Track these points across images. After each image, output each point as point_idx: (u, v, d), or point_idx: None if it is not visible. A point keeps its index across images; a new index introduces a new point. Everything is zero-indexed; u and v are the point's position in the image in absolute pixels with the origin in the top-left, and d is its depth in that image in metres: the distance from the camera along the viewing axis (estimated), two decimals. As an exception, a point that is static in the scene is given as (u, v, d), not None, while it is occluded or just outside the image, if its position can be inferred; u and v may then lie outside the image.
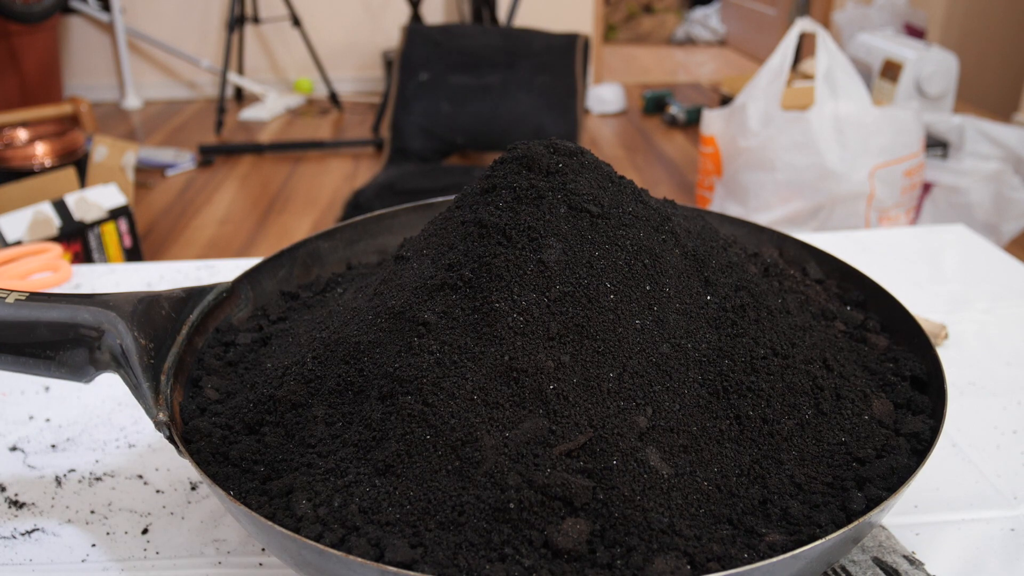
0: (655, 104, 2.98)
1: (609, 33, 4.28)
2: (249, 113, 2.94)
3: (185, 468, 0.48)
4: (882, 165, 1.56)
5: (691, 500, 0.32)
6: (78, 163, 1.80)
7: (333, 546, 0.29)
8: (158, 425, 0.35)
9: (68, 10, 2.94)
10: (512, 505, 0.30)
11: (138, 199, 2.18)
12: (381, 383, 0.34)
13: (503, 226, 0.37)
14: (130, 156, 1.87)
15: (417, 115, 2.22)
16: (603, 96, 3.01)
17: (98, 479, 0.47)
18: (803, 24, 1.61)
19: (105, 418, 0.53)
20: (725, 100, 2.67)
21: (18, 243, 1.33)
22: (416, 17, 2.68)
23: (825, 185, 1.56)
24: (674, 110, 2.85)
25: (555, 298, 0.35)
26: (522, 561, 0.29)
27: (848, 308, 0.47)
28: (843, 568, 0.38)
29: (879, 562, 0.39)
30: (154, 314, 0.39)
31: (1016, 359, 0.58)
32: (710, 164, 1.76)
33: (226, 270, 0.73)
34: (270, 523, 0.30)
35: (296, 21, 2.83)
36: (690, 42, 4.33)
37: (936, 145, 1.81)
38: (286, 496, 0.32)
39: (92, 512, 0.45)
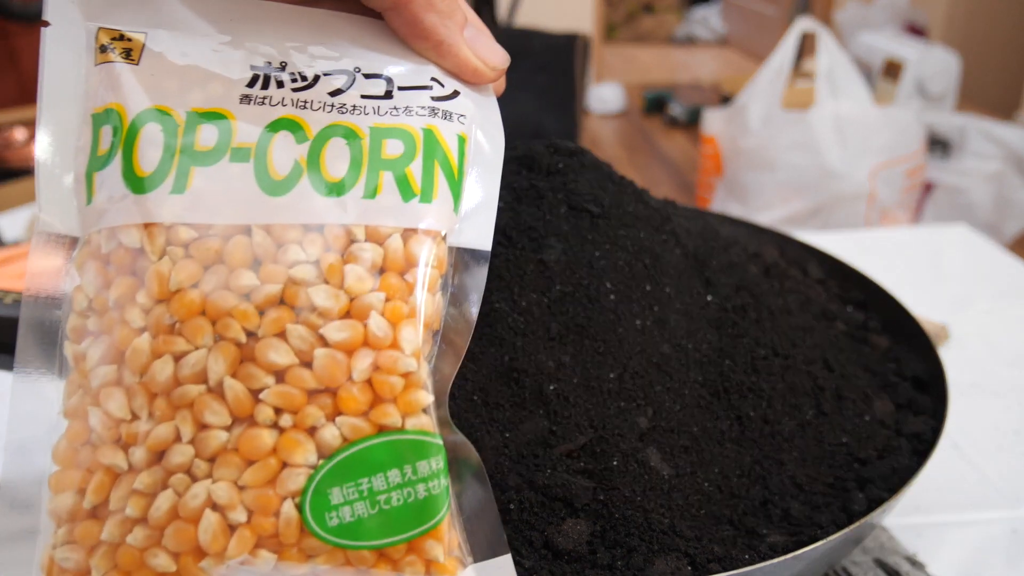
0: (655, 104, 2.98)
1: (609, 33, 4.28)
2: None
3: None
4: (883, 165, 1.56)
5: (692, 501, 0.32)
6: (78, 163, 1.80)
7: (332, 547, 0.29)
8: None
9: (69, 10, 2.94)
10: (512, 506, 0.30)
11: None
12: (381, 383, 0.34)
13: (503, 226, 0.37)
14: (130, 156, 1.87)
15: (417, 115, 2.22)
16: (603, 96, 3.01)
17: (97, 479, 0.47)
18: (804, 23, 1.61)
19: (105, 418, 0.52)
20: (725, 100, 2.67)
21: (17, 243, 1.33)
22: (416, 17, 2.67)
23: (826, 185, 1.56)
24: (674, 110, 2.85)
25: (555, 298, 0.35)
26: (522, 562, 0.29)
27: (849, 308, 0.47)
28: (844, 569, 0.38)
29: (881, 563, 0.39)
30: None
31: (1018, 359, 0.58)
32: (710, 164, 1.76)
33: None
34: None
35: (296, 21, 2.83)
36: (691, 42, 4.33)
37: (937, 145, 1.81)
38: (285, 497, 0.32)
39: (91, 513, 0.44)
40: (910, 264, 0.73)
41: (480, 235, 0.25)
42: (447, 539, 0.23)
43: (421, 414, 0.22)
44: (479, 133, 0.26)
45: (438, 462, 0.22)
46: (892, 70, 2.04)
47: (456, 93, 0.26)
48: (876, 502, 0.32)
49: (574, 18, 3.09)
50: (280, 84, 0.24)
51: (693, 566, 0.29)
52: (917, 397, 0.39)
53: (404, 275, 0.23)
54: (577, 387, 0.33)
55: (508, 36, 2.33)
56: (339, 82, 0.25)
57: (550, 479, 0.30)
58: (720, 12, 4.31)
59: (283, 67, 0.25)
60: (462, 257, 0.25)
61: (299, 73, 0.25)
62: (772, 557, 0.29)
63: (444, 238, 0.24)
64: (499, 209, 0.38)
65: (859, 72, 1.59)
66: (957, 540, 0.42)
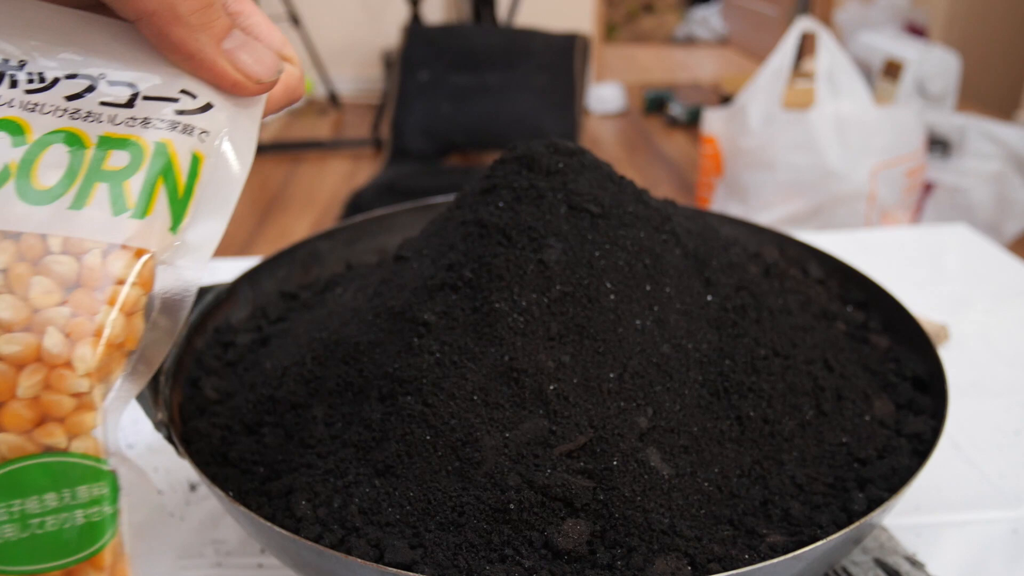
0: (655, 104, 2.98)
1: (609, 32, 4.28)
2: (249, 113, 2.94)
3: (184, 469, 0.48)
4: (883, 165, 1.56)
5: (692, 501, 0.32)
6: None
7: (332, 547, 0.29)
8: (157, 425, 0.35)
9: (68, 10, 2.93)
10: (512, 506, 0.30)
11: (138, 199, 2.18)
12: (381, 383, 0.34)
13: (503, 226, 0.37)
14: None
15: (417, 115, 2.22)
16: (603, 96, 3.01)
17: (97, 479, 0.47)
18: (804, 23, 1.61)
19: (105, 418, 0.53)
20: (726, 100, 2.67)
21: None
22: (416, 17, 2.68)
23: (826, 185, 1.56)
24: (674, 110, 2.85)
25: (555, 298, 0.35)
26: (522, 562, 0.29)
27: (849, 308, 0.47)
28: (844, 569, 0.38)
29: (880, 563, 0.39)
30: (153, 314, 0.39)
31: (1018, 359, 0.58)
32: (710, 164, 1.76)
33: (225, 270, 0.73)
34: (269, 524, 0.30)
35: (295, 21, 2.83)
36: (691, 41, 4.33)
37: (937, 145, 1.81)
38: (285, 497, 0.32)
39: (91, 513, 0.45)
40: (910, 264, 0.73)
41: (198, 257, 0.24)
42: (110, 568, 0.22)
43: (88, 437, 0.22)
44: (227, 149, 0.25)
45: (102, 488, 0.22)
46: (892, 70, 2.04)
47: (208, 106, 0.25)
48: (876, 502, 0.32)
49: (574, 18, 3.09)
50: (14, 84, 0.23)
51: (693, 566, 0.29)
52: (917, 397, 0.39)
53: (96, 291, 0.22)
54: (577, 387, 0.33)
55: (508, 36, 2.33)
56: (80, 86, 0.24)
57: (550, 479, 0.30)
58: (720, 12, 4.31)
59: (22, 66, 0.24)
60: (175, 277, 0.24)
61: (38, 74, 0.24)
62: (772, 557, 0.29)
63: (153, 257, 0.23)
64: (499, 209, 0.38)
65: (859, 72, 1.59)
66: (957, 540, 0.42)
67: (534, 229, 0.36)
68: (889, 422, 0.37)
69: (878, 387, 0.40)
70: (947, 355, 0.58)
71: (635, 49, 4.20)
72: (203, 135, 0.24)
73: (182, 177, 0.24)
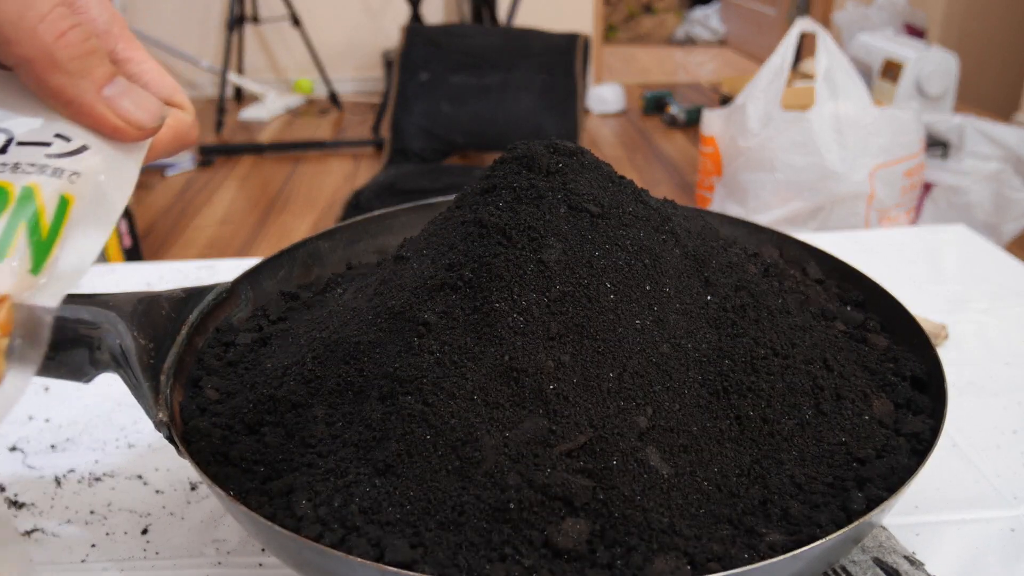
0: (655, 104, 2.99)
1: (609, 33, 4.28)
2: (249, 113, 2.94)
3: (185, 468, 0.48)
4: (882, 165, 1.56)
5: (691, 500, 0.32)
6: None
7: (333, 546, 0.29)
8: (158, 425, 0.35)
9: (68, 10, 2.93)
10: (512, 505, 0.30)
11: (138, 199, 2.19)
12: (381, 383, 0.34)
13: (503, 226, 0.37)
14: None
15: (417, 115, 2.23)
16: (603, 96, 3.02)
17: (98, 479, 0.47)
18: (803, 24, 1.61)
19: (105, 418, 0.53)
20: (725, 100, 2.68)
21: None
22: (416, 17, 2.68)
23: (825, 185, 1.57)
24: (674, 110, 2.85)
25: (555, 298, 0.35)
26: (522, 561, 0.29)
27: (848, 308, 0.47)
28: (843, 568, 0.38)
29: (879, 562, 0.39)
30: (154, 314, 0.39)
31: (1016, 359, 0.58)
32: (710, 164, 1.76)
33: (226, 270, 0.73)
34: (270, 523, 0.30)
35: (296, 21, 2.83)
36: (690, 42, 4.33)
37: (936, 145, 1.81)
38: (286, 496, 0.32)
39: (92, 512, 0.45)
40: (909, 264, 0.73)
41: (59, 291, 0.24)
42: None
43: None
44: (100, 191, 0.25)
45: None
46: (891, 71, 2.04)
47: (83, 149, 0.25)
48: (875, 501, 0.32)
49: (574, 19, 3.09)
50: None
51: (692, 565, 0.29)
52: (916, 396, 0.39)
53: None
54: (577, 387, 0.33)
55: (508, 36, 2.33)
56: None
57: (550, 478, 0.30)
58: (719, 12, 4.31)
59: None
60: (33, 315, 0.24)
61: None
62: (771, 556, 0.29)
63: (10, 299, 0.23)
64: (499, 209, 0.38)
65: (858, 73, 1.59)
66: (955, 539, 0.42)
67: (534, 229, 0.36)
68: (888, 421, 0.37)
69: (877, 387, 0.40)
70: (945, 355, 0.58)
71: (634, 50, 4.20)
72: (74, 177, 0.25)
73: (47, 220, 0.24)
